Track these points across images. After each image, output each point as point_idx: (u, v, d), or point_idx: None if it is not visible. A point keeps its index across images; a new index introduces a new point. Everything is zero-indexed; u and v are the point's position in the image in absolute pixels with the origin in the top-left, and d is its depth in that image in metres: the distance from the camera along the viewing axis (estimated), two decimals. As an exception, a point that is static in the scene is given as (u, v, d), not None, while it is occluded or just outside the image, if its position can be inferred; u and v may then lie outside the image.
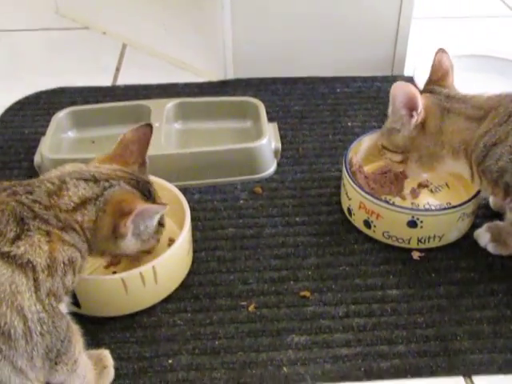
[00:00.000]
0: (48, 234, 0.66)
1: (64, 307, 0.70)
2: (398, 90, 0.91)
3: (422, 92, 0.93)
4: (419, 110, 0.90)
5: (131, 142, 0.83)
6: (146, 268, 0.84)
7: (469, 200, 0.95)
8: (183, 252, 0.91)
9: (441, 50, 0.96)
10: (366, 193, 0.97)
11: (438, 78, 0.94)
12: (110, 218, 0.73)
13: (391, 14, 1.39)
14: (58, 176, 0.74)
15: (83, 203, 0.72)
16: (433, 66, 0.96)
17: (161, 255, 0.86)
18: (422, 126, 0.92)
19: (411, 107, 0.91)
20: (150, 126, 0.85)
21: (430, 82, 0.96)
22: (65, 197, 0.71)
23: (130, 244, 0.77)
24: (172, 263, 0.89)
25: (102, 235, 0.74)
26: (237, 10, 1.35)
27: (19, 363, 0.63)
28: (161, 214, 0.81)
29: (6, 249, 0.63)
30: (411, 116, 0.91)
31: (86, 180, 0.74)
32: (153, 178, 0.98)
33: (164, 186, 0.98)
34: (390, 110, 0.95)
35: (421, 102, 0.90)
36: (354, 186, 0.98)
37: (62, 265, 0.67)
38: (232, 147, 1.12)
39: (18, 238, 0.64)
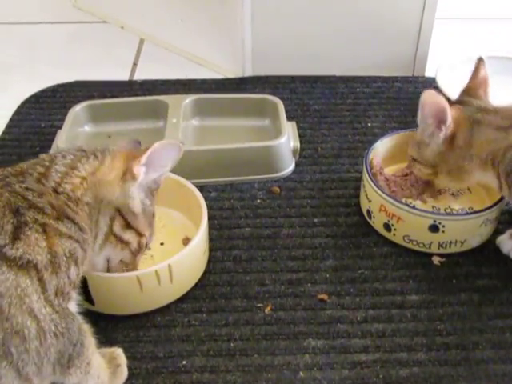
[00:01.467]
0: (44, 228, 0.64)
1: (74, 306, 0.68)
2: (427, 100, 0.88)
3: (454, 102, 0.92)
4: (448, 123, 0.88)
5: None
6: (161, 266, 0.82)
7: (493, 205, 0.93)
8: (199, 251, 0.89)
9: (480, 59, 0.94)
10: (387, 195, 0.95)
11: (474, 87, 0.93)
12: (119, 163, 0.74)
13: (414, 13, 1.36)
14: (49, 156, 0.73)
15: (72, 166, 0.71)
16: (471, 74, 0.94)
17: (177, 254, 0.85)
18: (451, 139, 0.90)
19: (440, 119, 0.88)
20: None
21: (464, 90, 0.94)
22: (52, 173, 0.70)
23: (136, 199, 0.76)
24: (188, 262, 0.87)
25: (108, 182, 0.73)
26: (257, 7, 1.33)
27: (26, 369, 0.61)
28: (178, 155, 0.79)
29: (5, 250, 0.61)
30: (440, 129, 0.89)
31: (76, 150, 0.74)
32: (169, 175, 0.97)
33: (181, 183, 0.97)
34: (418, 120, 0.93)
35: (450, 114, 0.87)
36: (375, 187, 0.96)
37: (64, 258, 0.65)
38: (250, 145, 1.10)
39: (16, 236, 0.62)
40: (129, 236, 0.78)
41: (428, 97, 0.88)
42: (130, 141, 0.84)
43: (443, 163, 0.92)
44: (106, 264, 0.80)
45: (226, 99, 1.25)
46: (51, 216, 0.66)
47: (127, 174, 0.74)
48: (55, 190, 0.69)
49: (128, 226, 0.77)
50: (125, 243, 0.78)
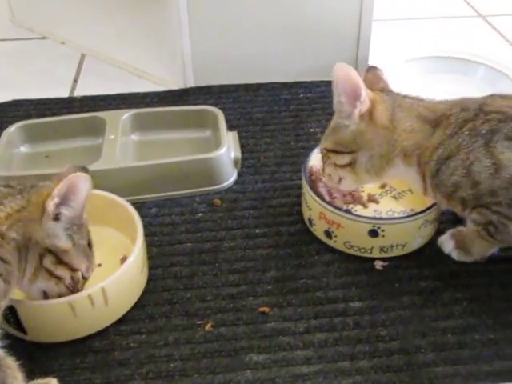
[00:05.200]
0: None
1: None
2: (339, 74, 0.82)
3: None
4: (362, 99, 0.84)
5: None
6: (94, 290, 0.80)
7: (430, 207, 0.93)
8: (136, 270, 0.87)
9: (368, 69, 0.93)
10: (326, 202, 0.94)
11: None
12: (43, 201, 0.73)
13: (352, 16, 1.37)
14: None
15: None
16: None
17: (111, 275, 0.82)
18: (370, 117, 0.86)
19: (354, 96, 0.84)
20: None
21: None
22: None
23: (59, 236, 0.75)
24: (124, 283, 0.84)
25: (32, 220, 0.72)
26: (195, 17, 1.31)
27: None
28: (87, 189, 0.75)
29: None
30: (354, 106, 0.85)
31: (4, 185, 0.73)
32: (102, 193, 0.95)
33: (115, 201, 0.94)
34: (334, 102, 0.87)
35: (364, 89, 0.84)
36: (314, 195, 0.95)
37: None
38: (189, 158, 1.08)
39: None
40: (61, 272, 0.77)
41: (340, 70, 0.82)
42: (74, 167, 0.81)
43: (365, 146, 0.87)
44: (43, 296, 0.79)
45: (166, 112, 1.23)
46: None
47: (44, 212, 0.73)
48: None
49: (60, 262, 0.77)
50: (58, 278, 0.77)
